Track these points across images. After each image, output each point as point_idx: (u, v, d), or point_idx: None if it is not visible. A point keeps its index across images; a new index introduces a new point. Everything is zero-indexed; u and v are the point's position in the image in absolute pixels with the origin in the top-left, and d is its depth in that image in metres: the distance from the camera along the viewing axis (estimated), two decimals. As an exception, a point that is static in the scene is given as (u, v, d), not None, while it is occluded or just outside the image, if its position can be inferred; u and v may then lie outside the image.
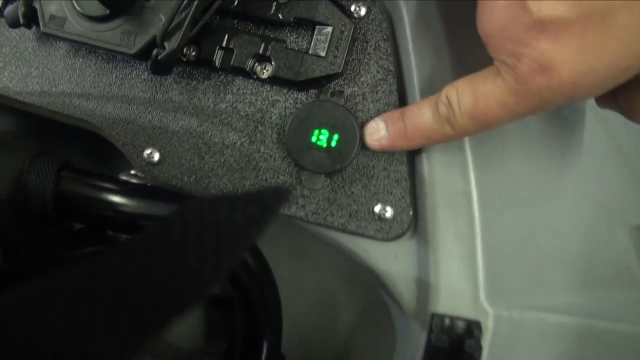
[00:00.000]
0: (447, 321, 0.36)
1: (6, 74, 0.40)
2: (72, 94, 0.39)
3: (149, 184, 0.39)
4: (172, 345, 0.38)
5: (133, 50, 0.35)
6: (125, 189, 0.38)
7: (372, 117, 0.37)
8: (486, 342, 0.37)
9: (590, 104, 0.39)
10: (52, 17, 0.36)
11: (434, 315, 0.36)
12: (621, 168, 0.40)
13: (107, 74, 0.39)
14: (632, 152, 0.40)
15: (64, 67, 0.40)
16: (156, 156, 0.38)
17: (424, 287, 0.37)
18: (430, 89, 0.36)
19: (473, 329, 0.36)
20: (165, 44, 0.34)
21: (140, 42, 0.35)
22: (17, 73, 0.40)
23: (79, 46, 0.39)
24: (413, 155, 0.38)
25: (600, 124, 0.39)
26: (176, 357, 0.38)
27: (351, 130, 0.36)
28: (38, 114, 0.40)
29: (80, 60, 0.40)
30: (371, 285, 0.39)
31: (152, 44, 0.35)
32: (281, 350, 0.40)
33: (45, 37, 0.40)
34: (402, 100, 0.38)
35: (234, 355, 0.40)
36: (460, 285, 0.36)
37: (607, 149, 0.39)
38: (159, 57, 0.35)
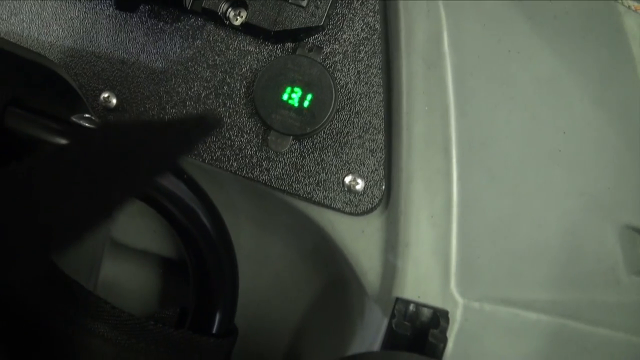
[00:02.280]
0: (411, 307, 0.33)
1: None
2: (31, 24, 0.36)
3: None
4: (124, 312, 0.35)
5: None
6: (73, 132, 0.35)
7: (351, 79, 0.34)
8: (452, 333, 0.34)
9: (590, 93, 0.35)
10: None
11: (397, 300, 0.33)
12: (616, 163, 0.36)
13: (70, 5, 0.36)
14: (629, 148, 0.36)
15: None
16: (113, 101, 0.35)
17: (390, 269, 0.34)
18: (419, 53, 0.33)
19: (439, 318, 0.33)
20: (131, -24, 0.31)
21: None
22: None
23: None
24: (391, 125, 0.34)
25: (600, 114, 0.36)
26: (128, 322, 0.36)
27: (327, 91, 0.33)
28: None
29: None
30: (335, 262, 0.36)
31: (118, -25, 0.32)
32: (234, 322, 0.38)
33: None
34: (387, 64, 0.34)
35: (184, 323, 0.37)
36: (429, 271, 0.34)
37: (603, 141, 0.36)
38: (123, -10, 0.32)
